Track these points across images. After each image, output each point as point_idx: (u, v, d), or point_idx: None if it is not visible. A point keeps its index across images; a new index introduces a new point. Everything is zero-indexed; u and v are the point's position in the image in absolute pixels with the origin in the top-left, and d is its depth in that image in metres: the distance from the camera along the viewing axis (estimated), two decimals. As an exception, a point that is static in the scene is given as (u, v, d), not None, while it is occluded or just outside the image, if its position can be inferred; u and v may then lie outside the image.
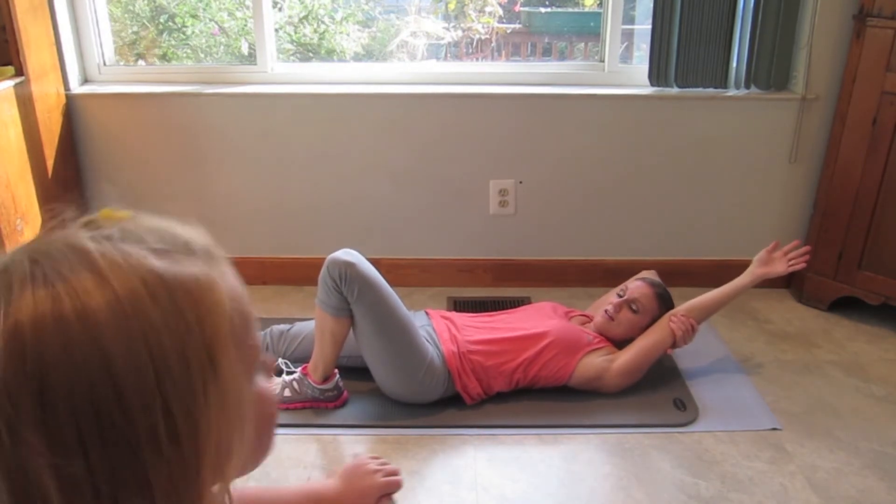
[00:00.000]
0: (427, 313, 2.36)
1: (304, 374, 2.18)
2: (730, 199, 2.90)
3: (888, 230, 2.58)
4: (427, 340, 2.18)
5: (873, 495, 1.87)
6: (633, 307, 2.29)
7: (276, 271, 2.99)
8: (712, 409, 2.20)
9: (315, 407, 2.18)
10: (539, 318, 2.31)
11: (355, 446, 2.05)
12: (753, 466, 1.97)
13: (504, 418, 2.15)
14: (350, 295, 2.04)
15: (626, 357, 2.22)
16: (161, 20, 3.05)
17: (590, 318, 2.40)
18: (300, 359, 2.26)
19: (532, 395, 2.22)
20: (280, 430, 2.27)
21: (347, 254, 2.07)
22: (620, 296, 2.34)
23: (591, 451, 2.03)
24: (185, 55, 3.07)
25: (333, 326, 2.09)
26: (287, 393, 2.17)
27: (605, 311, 2.32)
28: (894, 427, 2.14)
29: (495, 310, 2.49)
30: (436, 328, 2.25)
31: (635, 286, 2.35)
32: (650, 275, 2.50)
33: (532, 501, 1.85)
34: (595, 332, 2.30)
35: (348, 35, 3.13)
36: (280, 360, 2.27)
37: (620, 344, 2.30)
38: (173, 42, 3.09)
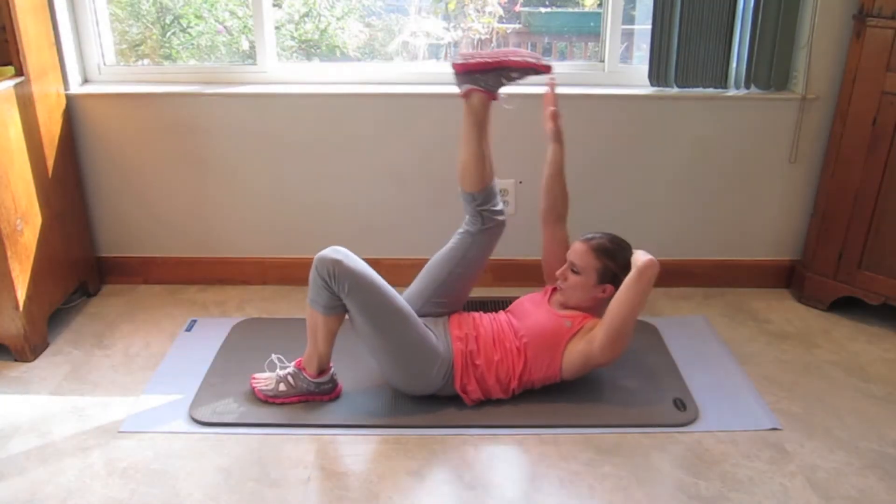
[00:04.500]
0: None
1: (299, 368, 2.19)
2: (730, 198, 2.90)
3: (888, 230, 2.58)
4: (430, 329, 2.19)
5: (873, 495, 1.87)
6: (574, 269, 2.27)
7: (276, 271, 2.99)
8: (712, 409, 2.20)
9: (310, 400, 2.20)
10: (524, 317, 2.30)
11: (355, 446, 2.05)
12: (753, 466, 1.97)
13: (504, 418, 2.15)
14: (341, 291, 2.05)
15: (602, 331, 2.11)
16: (166, 21, 3.04)
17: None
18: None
19: (532, 396, 2.22)
20: (280, 430, 2.27)
21: (335, 251, 2.08)
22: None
23: (591, 451, 2.03)
24: (189, 55, 3.07)
25: (326, 324, 2.12)
26: (282, 387, 2.19)
27: (558, 283, 2.31)
28: (894, 427, 2.14)
29: (495, 310, 2.48)
30: (450, 322, 2.27)
31: (571, 247, 2.31)
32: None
33: (532, 501, 1.85)
34: (570, 314, 2.25)
35: (348, 30, 3.13)
36: (274, 355, 2.28)
37: (596, 309, 2.25)
38: (177, 42, 3.09)
